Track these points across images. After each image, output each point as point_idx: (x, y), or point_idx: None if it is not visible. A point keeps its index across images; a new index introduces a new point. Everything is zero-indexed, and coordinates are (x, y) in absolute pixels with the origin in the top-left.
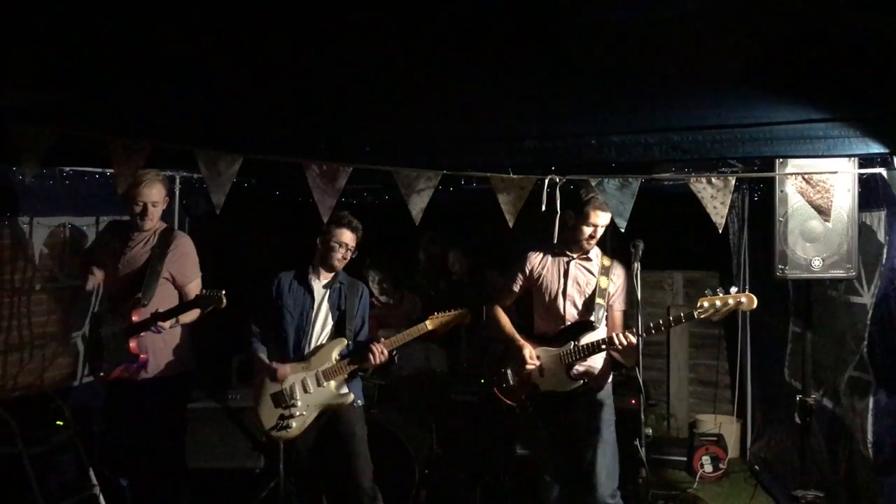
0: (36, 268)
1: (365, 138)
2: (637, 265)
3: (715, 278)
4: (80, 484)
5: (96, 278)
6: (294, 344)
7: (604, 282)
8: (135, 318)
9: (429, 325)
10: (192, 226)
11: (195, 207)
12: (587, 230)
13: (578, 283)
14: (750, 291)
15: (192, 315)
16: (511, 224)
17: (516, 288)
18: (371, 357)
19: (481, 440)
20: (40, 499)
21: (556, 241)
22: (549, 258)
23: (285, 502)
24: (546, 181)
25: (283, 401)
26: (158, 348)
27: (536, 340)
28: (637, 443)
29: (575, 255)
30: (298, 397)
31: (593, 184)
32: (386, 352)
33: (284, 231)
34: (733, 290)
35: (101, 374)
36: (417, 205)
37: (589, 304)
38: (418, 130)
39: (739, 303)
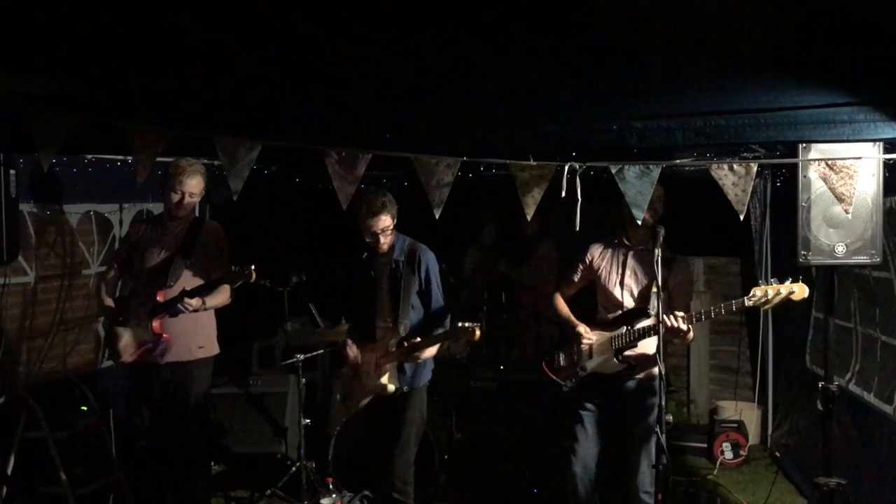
0: (72, 255)
1: (384, 125)
2: (658, 251)
3: (736, 264)
4: (105, 468)
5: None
6: (367, 326)
7: (662, 273)
8: (159, 298)
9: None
10: (212, 213)
11: (215, 195)
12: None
13: (636, 274)
14: (772, 277)
15: (222, 298)
16: (530, 213)
17: (576, 278)
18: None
19: (501, 426)
20: (66, 482)
21: (578, 228)
22: (610, 249)
23: (306, 487)
24: (566, 168)
25: (349, 377)
26: (183, 333)
27: (595, 326)
28: (657, 429)
29: (634, 246)
30: (358, 377)
31: (613, 171)
32: (425, 354)
33: (305, 217)
34: (788, 280)
35: (119, 357)
36: (437, 192)
37: (645, 294)
38: (437, 117)
39: (792, 292)
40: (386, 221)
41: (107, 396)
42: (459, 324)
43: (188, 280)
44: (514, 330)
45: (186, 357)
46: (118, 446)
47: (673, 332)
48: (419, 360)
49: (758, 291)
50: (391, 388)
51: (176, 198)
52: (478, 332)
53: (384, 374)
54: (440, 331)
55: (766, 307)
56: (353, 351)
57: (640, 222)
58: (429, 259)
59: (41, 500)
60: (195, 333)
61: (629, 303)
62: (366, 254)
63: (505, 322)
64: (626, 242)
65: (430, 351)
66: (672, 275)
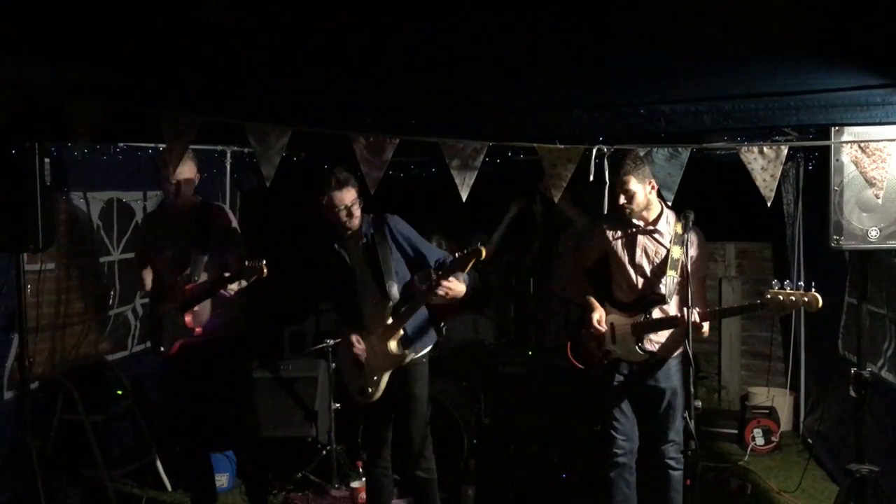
0: (93, 242)
1: (411, 111)
2: (688, 236)
3: (768, 249)
4: (140, 450)
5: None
6: (353, 312)
7: (676, 252)
8: (187, 293)
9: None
10: (242, 200)
11: (246, 182)
12: (621, 198)
13: (647, 253)
14: (805, 262)
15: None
16: (557, 196)
17: (590, 253)
18: (441, 294)
19: (529, 411)
20: (102, 464)
21: (606, 211)
22: (619, 228)
23: (336, 470)
24: (594, 151)
25: (352, 370)
26: (213, 316)
27: (613, 307)
28: (687, 415)
29: (641, 225)
30: (364, 364)
31: (641, 154)
32: (455, 284)
33: None
34: (801, 287)
35: (162, 349)
36: (465, 177)
37: (659, 275)
38: (465, 103)
39: (805, 302)
40: (353, 194)
41: (139, 380)
42: (457, 253)
43: (209, 270)
44: (542, 315)
45: (217, 335)
46: (151, 429)
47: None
48: (452, 293)
49: (769, 296)
50: (408, 354)
51: (172, 187)
52: (483, 250)
53: (394, 345)
54: (449, 258)
55: (780, 313)
56: (360, 345)
57: (669, 202)
58: (396, 223)
59: (79, 482)
60: (221, 312)
61: (640, 283)
62: (335, 243)
63: (533, 307)
64: (634, 222)
65: (460, 285)
66: (685, 251)
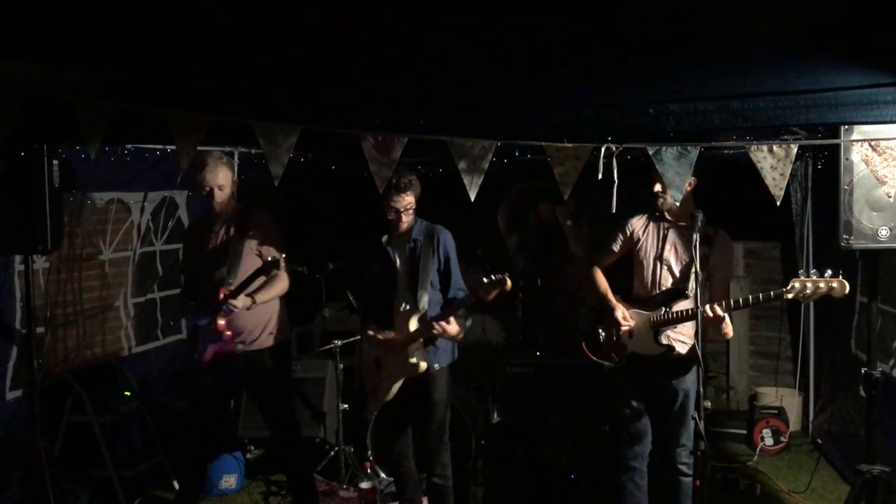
0: (89, 243)
1: (419, 111)
2: (696, 236)
3: (776, 249)
4: (148, 451)
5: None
6: (385, 312)
7: (703, 251)
8: (221, 297)
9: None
10: (248, 202)
11: (255, 182)
12: (656, 186)
13: (676, 250)
14: (814, 262)
15: (271, 293)
16: (566, 194)
17: (616, 248)
18: (436, 331)
19: (537, 411)
20: (111, 465)
21: (614, 210)
22: (651, 223)
23: (345, 471)
24: (602, 150)
25: (371, 368)
26: (252, 324)
27: (631, 303)
28: (695, 415)
29: (674, 221)
30: (382, 366)
31: (651, 152)
32: (450, 327)
33: (341, 204)
34: (828, 273)
35: (196, 355)
36: (472, 176)
37: (685, 272)
38: (472, 103)
39: (832, 288)
40: (408, 199)
41: (145, 381)
42: (485, 279)
43: (247, 273)
44: (550, 314)
45: (259, 346)
46: (159, 430)
47: (711, 321)
48: (447, 334)
49: (797, 284)
50: (423, 366)
51: (206, 193)
52: (508, 283)
53: (412, 354)
54: (462, 295)
55: (805, 301)
56: (382, 334)
57: (677, 202)
58: (446, 239)
59: (88, 482)
60: (264, 322)
61: (666, 278)
62: (386, 236)
63: (541, 307)
64: (668, 218)
65: (455, 328)
66: (713, 252)
